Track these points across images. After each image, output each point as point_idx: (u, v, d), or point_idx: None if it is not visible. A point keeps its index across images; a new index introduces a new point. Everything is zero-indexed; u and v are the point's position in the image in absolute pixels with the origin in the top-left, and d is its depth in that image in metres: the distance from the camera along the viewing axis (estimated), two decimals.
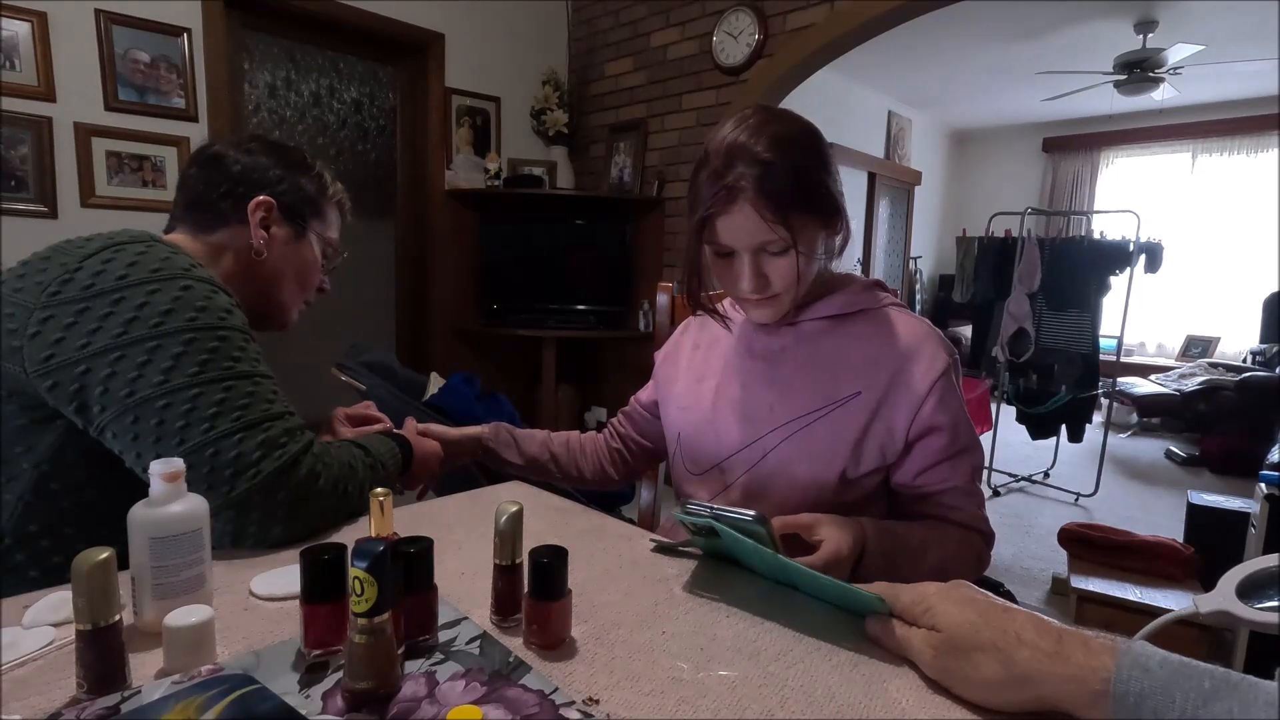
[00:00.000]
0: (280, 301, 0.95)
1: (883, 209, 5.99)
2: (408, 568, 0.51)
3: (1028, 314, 3.40)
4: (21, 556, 0.73)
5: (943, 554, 0.80)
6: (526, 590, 0.55)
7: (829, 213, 0.81)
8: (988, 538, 0.87)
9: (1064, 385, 3.51)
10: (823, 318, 0.88)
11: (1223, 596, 0.49)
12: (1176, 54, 4.01)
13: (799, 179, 0.77)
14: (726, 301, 0.99)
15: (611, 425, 1.16)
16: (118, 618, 0.45)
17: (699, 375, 0.97)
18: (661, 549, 0.75)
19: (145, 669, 0.49)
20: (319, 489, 0.73)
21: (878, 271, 5.99)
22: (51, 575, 0.73)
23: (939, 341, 0.85)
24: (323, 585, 0.50)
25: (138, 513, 0.54)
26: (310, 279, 0.98)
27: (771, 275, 0.80)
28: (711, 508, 0.65)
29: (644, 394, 1.13)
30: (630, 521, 0.89)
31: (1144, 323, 6.01)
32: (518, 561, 0.57)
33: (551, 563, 0.53)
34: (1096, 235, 3.56)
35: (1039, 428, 3.68)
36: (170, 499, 0.54)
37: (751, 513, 0.63)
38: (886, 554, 0.75)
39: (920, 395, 0.81)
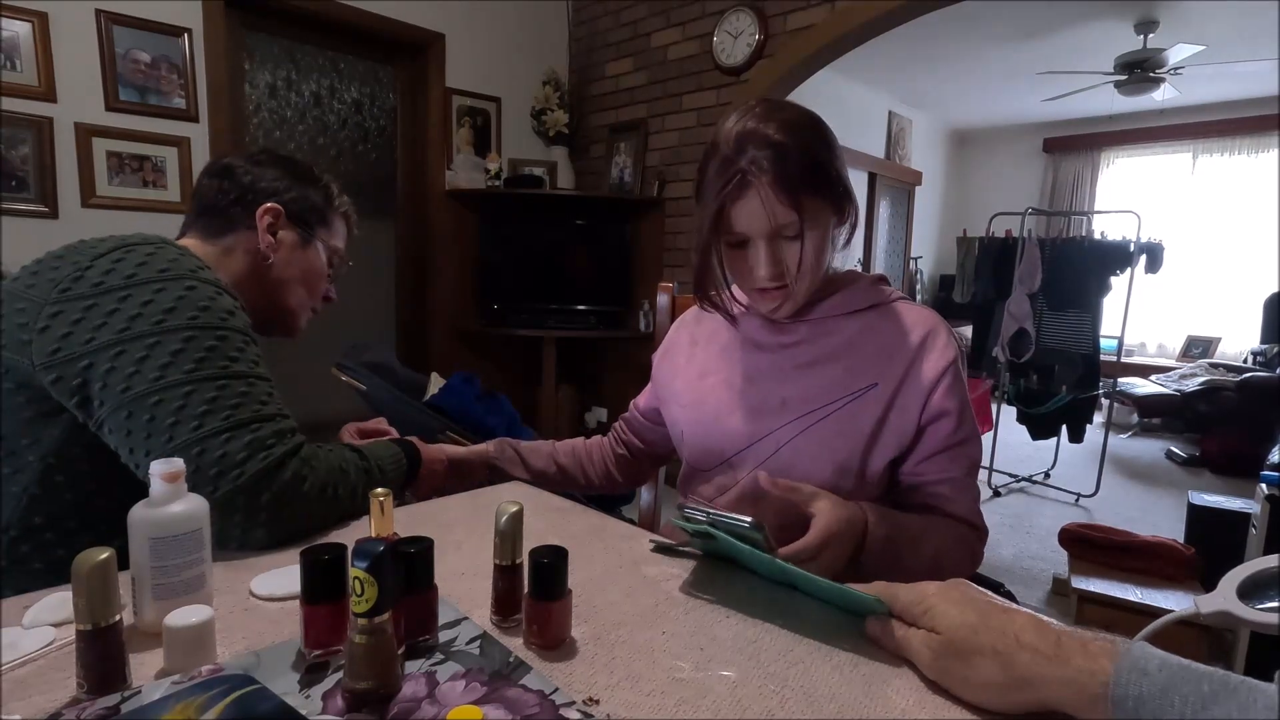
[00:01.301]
0: (289, 306, 0.97)
1: (883, 209, 5.98)
2: (408, 568, 0.51)
3: (1028, 314, 3.40)
4: (26, 548, 0.74)
5: (939, 545, 0.80)
6: (526, 590, 0.55)
7: (839, 196, 0.82)
8: (981, 533, 0.87)
9: (1064, 385, 3.51)
10: (834, 314, 0.89)
11: (1223, 597, 0.49)
12: (1177, 54, 4.01)
13: (811, 160, 0.77)
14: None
15: (614, 431, 1.16)
16: (118, 618, 0.45)
17: (700, 371, 0.97)
18: (661, 549, 0.75)
19: (145, 669, 0.49)
20: (303, 493, 0.73)
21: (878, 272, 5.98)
22: (55, 568, 0.74)
23: (949, 331, 0.87)
24: (323, 585, 0.50)
25: (138, 513, 0.54)
26: (317, 286, 1.00)
27: (788, 261, 0.80)
28: (709, 512, 0.65)
29: (642, 400, 1.12)
30: (630, 522, 0.89)
31: (1144, 323, 6.00)
32: (518, 561, 0.57)
33: (551, 563, 0.53)
34: (1097, 235, 3.56)
35: (1039, 428, 3.68)
36: (170, 499, 0.54)
37: (748, 519, 0.63)
38: (889, 538, 0.75)
39: (932, 380, 0.82)
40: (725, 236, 0.82)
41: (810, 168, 0.77)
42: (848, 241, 0.88)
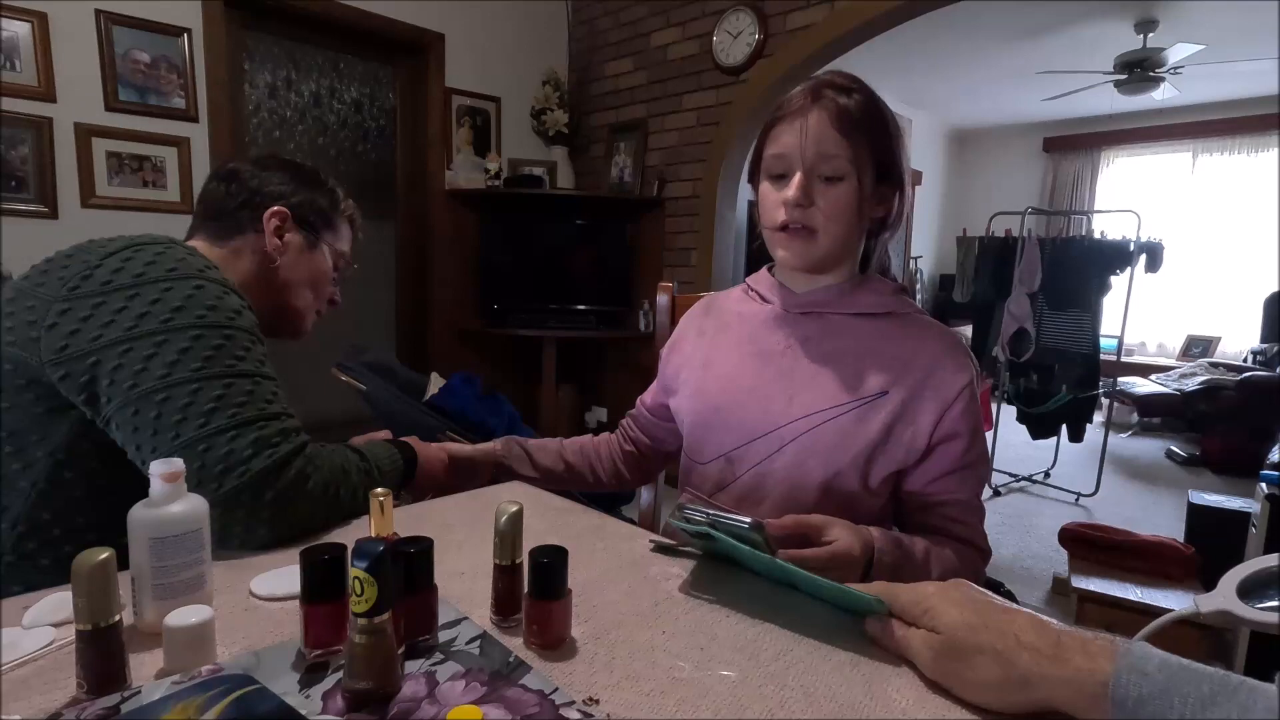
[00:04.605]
0: (295, 308, 0.98)
1: None
2: (408, 568, 0.51)
3: (1028, 314, 3.40)
4: (33, 544, 0.74)
5: (943, 570, 0.79)
6: (526, 590, 0.55)
7: (887, 166, 0.83)
8: (985, 555, 0.87)
9: (1064, 385, 3.51)
10: (850, 313, 0.87)
11: (1223, 596, 0.49)
12: (1177, 54, 4.01)
13: (875, 116, 0.81)
14: (740, 290, 1.00)
15: (622, 428, 1.15)
16: (118, 618, 0.45)
17: (705, 361, 0.96)
18: (661, 549, 0.75)
19: (145, 669, 0.49)
20: (307, 491, 0.73)
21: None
22: (62, 564, 0.74)
23: (967, 353, 0.85)
24: (323, 585, 0.50)
25: (138, 513, 0.54)
26: (323, 287, 1.01)
27: (819, 200, 0.81)
28: (708, 513, 0.65)
29: (648, 396, 1.12)
30: (630, 521, 0.89)
31: (1144, 322, 6.00)
32: (518, 561, 0.57)
33: (551, 563, 0.53)
34: (1097, 235, 3.56)
35: (1039, 427, 3.68)
36: (170, 499, 0.54)
37: (748, 520, 0.62)
38: (895, 565, 0.75)
39: (949, 399, 0.81)
40: (766, 165, 0.84)
41: (871, 118, 0.81)
42: (892, 234, 0.89)
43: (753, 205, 0.92)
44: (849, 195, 0.81)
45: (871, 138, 0.81)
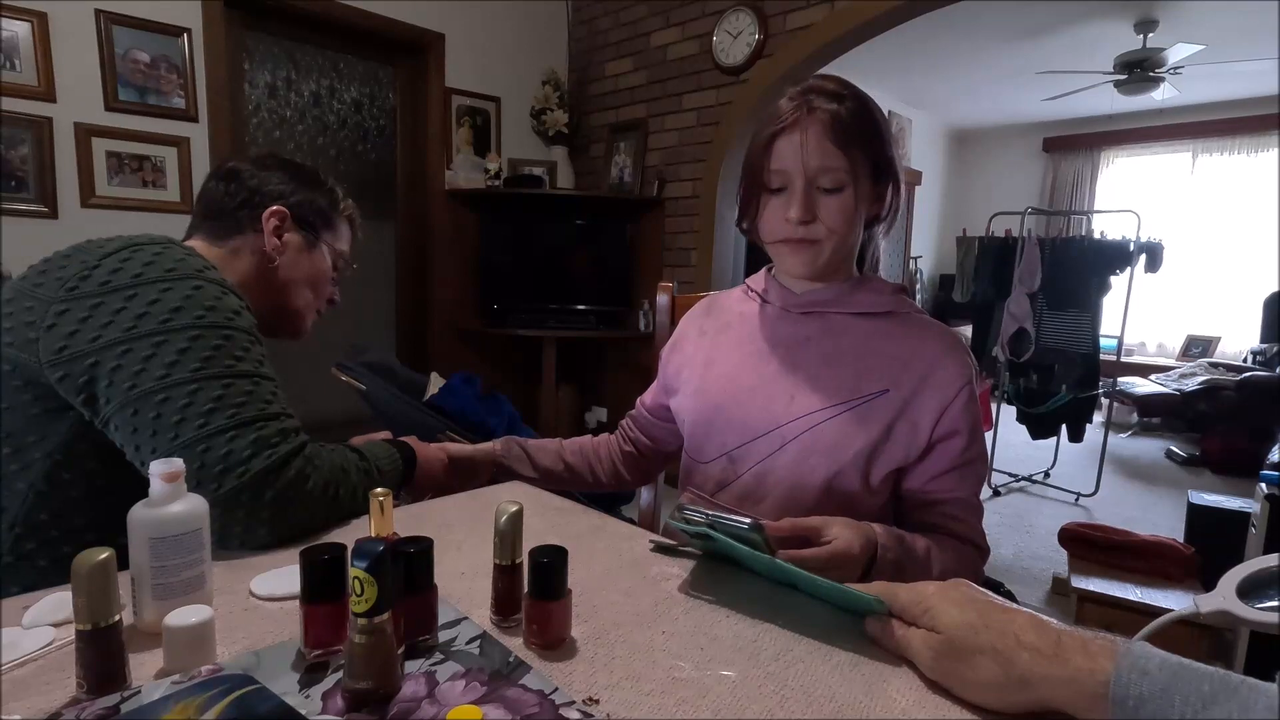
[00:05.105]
0: (295, 308, 0.98)
1: None
2: (408, 568, 0.51)
3: (1028, 314, 3.40)
4: (31, 545, 0.74)
5: (944, 568, 0.80)
6: (526, 590, 0.55)
7: (883, 169, 0.84)
8: (984, 553, 0.87)
9: (1064, 385, 3.51)
10: (850, 313, 0.88)
11: (1223, 596, 0.49)
12: (1177, 54, 4.01)
13: (867, 121, 0.81)
14: (741, 290, 1.00)
15: (622, 429, 1.15)
16: (118, 618, 0.45)
17: (707, 360, 0.96)
18: (661, 549, 0.75)
19: (145, 669, 0.49)
20: (307, 491, 0.73)
21: (878, 272, 5.98)
22: (60, 565, 0.74)
23: (966, 352, 0.86)
24: (323, 585, 0.50)
25: (138, 513, 0.54)
26: (322, 288, 1.01)
27: (820, 212, 0.82)
28: (707, 514, 0.65)
29: (648, 396, 1.12)
30: (630, 521, 0.89)
31: (1144, 322, 6.00)
32: (518, 561, 0.57)
33: (551, 563, 0.53)
34: (1097, 235, 3.56)
35: (1039, 427, 3.68)
36: (170, 499, 0.54)
37: (748, 521, 0.62)
38: (897, 562, 0.75)
39: (949, 396, 0.82)
40: (766, 177, 0.83)
41: (864, 126, 0.81)
42: (888, 230, 0.90)
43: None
44: (849, 203, 0.82)
45: (866, 144, 0.81)
